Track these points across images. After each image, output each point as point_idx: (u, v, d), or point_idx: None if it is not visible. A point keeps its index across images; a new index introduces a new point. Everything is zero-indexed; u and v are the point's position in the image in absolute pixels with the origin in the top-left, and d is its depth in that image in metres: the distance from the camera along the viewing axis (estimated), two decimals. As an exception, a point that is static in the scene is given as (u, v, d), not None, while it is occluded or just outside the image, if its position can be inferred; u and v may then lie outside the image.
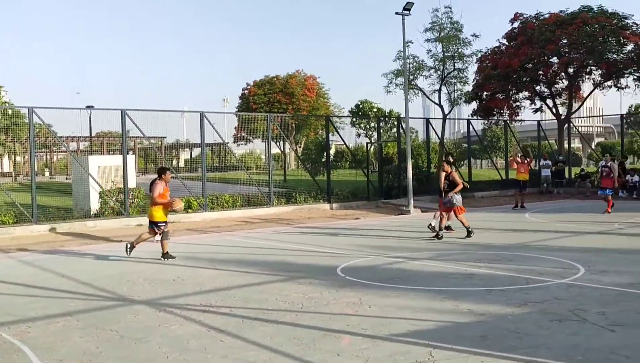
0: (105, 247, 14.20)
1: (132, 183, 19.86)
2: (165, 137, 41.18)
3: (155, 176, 15.13)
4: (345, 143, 27.93)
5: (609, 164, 19.13)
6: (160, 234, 11.97)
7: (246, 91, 51.25)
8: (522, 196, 21.84)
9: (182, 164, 53.80)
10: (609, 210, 18.44)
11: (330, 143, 36.69)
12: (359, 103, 46.71)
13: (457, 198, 13.95)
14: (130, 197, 19.24)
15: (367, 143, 29.65)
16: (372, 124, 40.46)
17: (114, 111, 19.98)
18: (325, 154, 25.96)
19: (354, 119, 43.20)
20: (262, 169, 39.85)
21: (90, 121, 30.42)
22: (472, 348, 5.77)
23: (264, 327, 6.74)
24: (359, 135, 44.41)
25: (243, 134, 53.61)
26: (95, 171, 19.60)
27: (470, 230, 13.80)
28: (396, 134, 29.40)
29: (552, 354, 5.56)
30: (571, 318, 6.76)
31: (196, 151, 52.60)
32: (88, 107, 27.54)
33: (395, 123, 30.74)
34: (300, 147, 48.07)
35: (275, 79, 49.95)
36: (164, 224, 11.88)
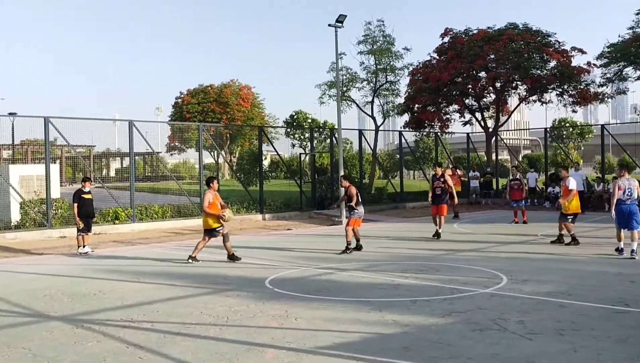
0: (25, 260, 13.58)
1: (55, 193, 19.13)
2: (95, 146, 39.99)
3: (79, 186, 14.70)
4: (278, 154, 27.90)
5: (518, 177, 19.89)
6: (208, 239, 12.64)
7: (180, 100, 50.51)
8: (455, 206, 22.57)
9: (112, 173, 52.33)
10: (525, 220, 19.18)
11: (265, 153, 36.60)
12: (294, 114, 46.80)
13: (359, 211, 13.96)
14: (53, 208, 18.52)
15: (300, 154, 29.68)
16: (307, 135, 40.59)
17: (37, 119, 19.21)
18: (258, 164, 25.78)
19: (289, 130, 43.27)
20: (195, 179, 39.23)
21: (12, 128, 29.16)
22: (395, 359, 5.79)
23: (186, 342, 6.56)
24: (293, 145, 44.55)
25: (176, 144, 52.74)
26: (17, 180, 18.79)
27: (348, 246, 13.54)
28: (332, 144, 29.59)
29: (472, 364, 5.65)
30: (492, 327, 6.89)
31: (128, 160, 51.34)
32: (10, 114, 26.39)
33: (329, 134, 30.92)
34: (234, 157, 47.68)
35: (210, 88, 49.46)
36: (221, 228, 12.47)
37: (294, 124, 45.54)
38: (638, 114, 30.30)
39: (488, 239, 15.72)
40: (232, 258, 12.46)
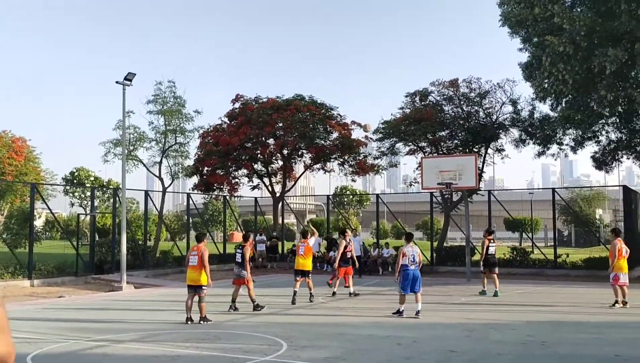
0: None
1: None
2: None
3: None
4: (52, 213, 25.80)
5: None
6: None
7: None
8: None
9: None
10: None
11: (40, 211, 33.68)
12: (75, 170, 44.02)
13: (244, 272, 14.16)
14: None
15: (78, 214, 27.81)
16: (89, 194, 38.23)
17: None
18: (29, 224, 23.54)
19: (68, 188, 40.52)
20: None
21: None
22: None
23: None
24: (72, 204, 41.70)
25: None
26: None
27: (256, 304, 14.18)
28: (115, 205, 28.16)
29: None
30: (269, 398, 6.82)
31: None
32: None
33: (113, 193, 29.47)
34: (1, 215, 43.14)
35: (-26, 138, 44.62)
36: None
37: (75, 181, 42.76)
38: (407, 185, 33.76)
39: (271, 303, 15.84)
40: (204, 320, 12.34)
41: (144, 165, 28.34)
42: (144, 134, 27.08)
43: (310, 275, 16.03)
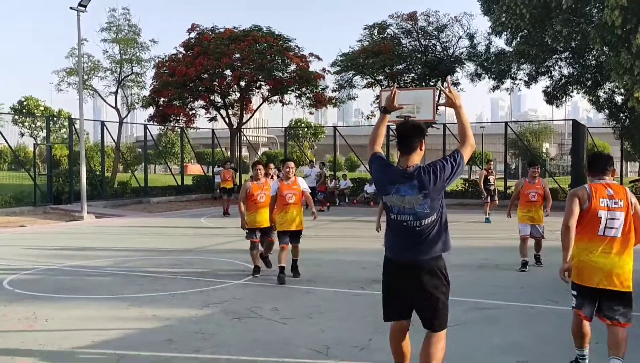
0: None
1: None
2: None
3: None
4: (8, 143, 25.22)
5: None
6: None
7: None
8: (228, 201, 22.09)
9: None
10: None
11: (-12, 141, 32.75)
12: (23, 100, 42.68)
13: None
14: None
15: (34, 144, 27.26)
16: (39, 124, 37.33)
17: None
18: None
19: (17, 117, 39.45)
20: None
21: None
22: (160, 352, 5.82)
23: None
24: (22, 134, 40.71)
25: None
26: None
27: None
28: (66, 135, 27.67)
29: (235, 350, 5.94)
30: (249, 315, 7.28)
31: None
32: None
33: (66, 123, 28.92)
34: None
35: None
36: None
37: (24, 111, 41.57)
38: (365, 118, 34.23)
39: (234, 232, 16.17)
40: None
41: (100, 95, 27.87)
42: (98, 63, 26.50)
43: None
